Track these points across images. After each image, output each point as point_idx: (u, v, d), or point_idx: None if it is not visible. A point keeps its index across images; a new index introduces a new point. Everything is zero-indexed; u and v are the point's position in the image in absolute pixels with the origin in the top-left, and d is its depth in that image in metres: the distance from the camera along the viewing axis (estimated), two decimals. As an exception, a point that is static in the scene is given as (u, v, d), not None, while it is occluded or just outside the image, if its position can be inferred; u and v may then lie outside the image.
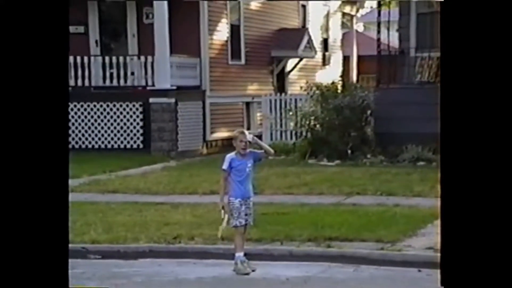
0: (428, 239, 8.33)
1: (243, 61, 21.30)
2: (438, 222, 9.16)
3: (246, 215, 7.40)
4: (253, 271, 7.33)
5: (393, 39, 17.28)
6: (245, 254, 7.41)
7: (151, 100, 17.87)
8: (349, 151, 16.00)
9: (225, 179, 7.42)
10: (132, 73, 18.50)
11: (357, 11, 29.46)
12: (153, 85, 18.14)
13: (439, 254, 7.55)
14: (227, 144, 19.24)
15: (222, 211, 7.43)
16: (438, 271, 7.10)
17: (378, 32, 16.98)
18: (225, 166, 7.39)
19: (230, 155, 7.44)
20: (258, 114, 21.06)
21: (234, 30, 20.77)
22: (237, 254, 7.35)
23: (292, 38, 23.02)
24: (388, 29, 16.51)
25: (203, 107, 19.35)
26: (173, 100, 17.97)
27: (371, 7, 39.42)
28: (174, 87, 18.00)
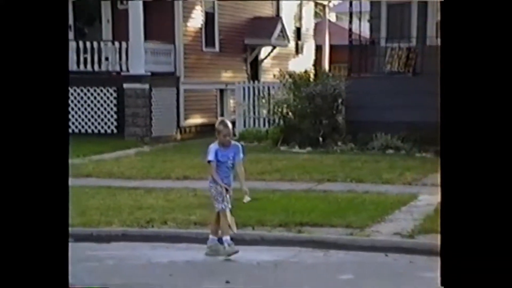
0: (396, 225, 8.57)
1: (217, 49, 21.39)
2: (405, 209, 9.49)
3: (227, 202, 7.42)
4: (234, 253, 7.36)
5: (365, 30, 17.51)
6: (219, 239, 7.52)
7: (125, 85, 17.90)
8: (321, 139, 16.22)
9: (215, 169, 7.37)
10: (106, 59, 18.50)
11: (330, 1, 29.63)
12: (127, 70, 18.17)
13: (405, 240, 7.90)
14: (201, 131, 19.42)
15: (227, 193, 7.41)
16: (405, 255, 7.44)
17: (350, 22, 17.16)
18: (211, 157, 7.37)
19: (214, 146, 7.41)
20: (232, 101, 21.19)
21: (209, 17, 20.84)
22: (224, 238, 7.40)
23: (265, 27, 23.16)
24: (360, 20, 16.71)
25: (177, 94, 19.43)
26: (147, 86, 18.03)
27: (344, -3, 39.63)
28: (148, 73, 18.06)
